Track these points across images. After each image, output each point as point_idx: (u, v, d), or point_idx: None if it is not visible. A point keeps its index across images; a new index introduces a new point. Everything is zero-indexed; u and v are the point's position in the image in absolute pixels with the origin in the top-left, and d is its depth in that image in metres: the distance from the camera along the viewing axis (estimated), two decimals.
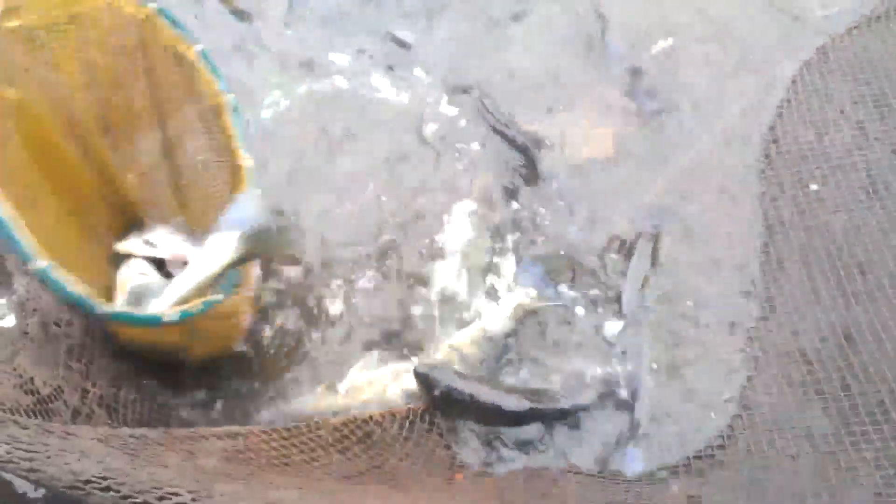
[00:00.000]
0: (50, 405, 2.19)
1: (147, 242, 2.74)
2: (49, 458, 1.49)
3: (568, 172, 3.22)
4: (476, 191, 3.19)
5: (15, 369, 2.22)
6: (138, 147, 2.68)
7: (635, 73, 3.49)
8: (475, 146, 3.31)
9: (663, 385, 2.73)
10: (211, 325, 2.49)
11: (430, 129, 3.34)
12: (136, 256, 2.73)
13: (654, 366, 2.76)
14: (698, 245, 3.03)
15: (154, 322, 2.16)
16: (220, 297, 2.25)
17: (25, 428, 1.52)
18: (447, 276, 2.99)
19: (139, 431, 1.74)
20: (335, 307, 2.91)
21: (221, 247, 2.26)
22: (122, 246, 2.75)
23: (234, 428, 2.15)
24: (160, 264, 2.73)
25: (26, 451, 1.45)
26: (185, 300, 2.25)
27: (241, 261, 2.32)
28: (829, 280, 2.77)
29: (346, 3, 3.69)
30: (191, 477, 1.69)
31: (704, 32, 3.58)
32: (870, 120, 3.07)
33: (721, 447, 2.54)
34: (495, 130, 3.34)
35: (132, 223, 2.84)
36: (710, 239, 3.03)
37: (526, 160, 3.26)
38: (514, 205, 3.15)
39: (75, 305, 2.07)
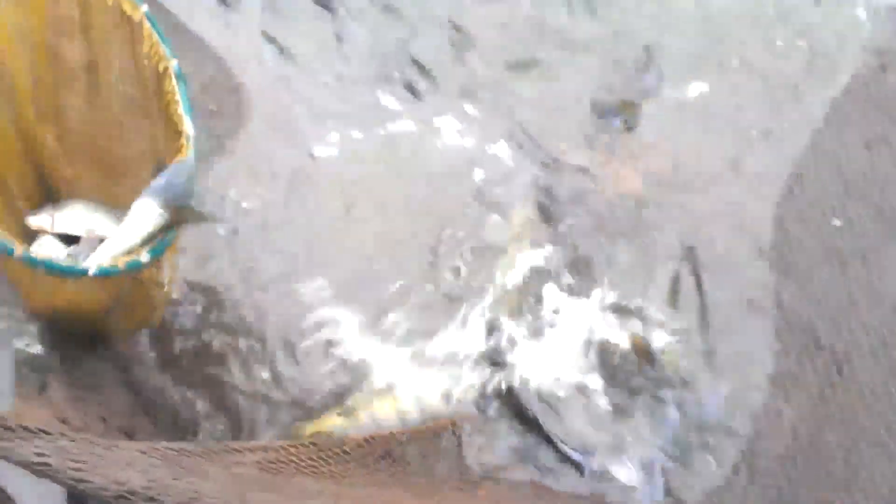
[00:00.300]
0: (81, 434, 2.23)
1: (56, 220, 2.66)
2: (96, 468, 1.54)
3: (603, 208, 3.33)
4: (518, 231, 3.26)
5: (49, 399, 2.27)
6: (62, 103, 2.58)
7: (670, 109, 3.61)
8: (518, 181, 3.40)
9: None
10: (136, 291, 2.45)
11: (477, 173, 3.41)
12: (47, 233, 2.67)
13: None
14: (720, 282, 3.12)
15: (73, 273, 2.10)
16: (146, 258, 2.18)
17: (73, 441, 1.58)
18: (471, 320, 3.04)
19: (177, 444, 1.80)
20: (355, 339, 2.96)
21: (147, 212, 2.22)
22: (34, 220, 2.68)
23: (265, 442, 2.19)
24: (74, 241, 2.66)
25: (74, 461, 1.51)
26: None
27: (167, 228, 2.26)
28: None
29: (383, 44, 3.75)
30: (230, 488, 1.75)
31: (742, 72, 3.72)
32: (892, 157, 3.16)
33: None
34: (536, 167, 3.43)
35: (49, 196, 2.76)
36: (732, 277, 3.13)
37: (567, 196, 3.35)
38: (553, 247, 3.22)
39: None
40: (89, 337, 2.63)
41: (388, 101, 3.57)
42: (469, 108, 3.57)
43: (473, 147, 3.47)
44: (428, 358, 2.93)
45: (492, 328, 2.98)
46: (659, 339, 2.99)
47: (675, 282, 3.13)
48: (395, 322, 2.99)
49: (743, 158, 3.47)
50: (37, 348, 2.53)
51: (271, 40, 3.67)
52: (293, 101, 3.51)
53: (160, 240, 2.24)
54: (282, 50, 3.65)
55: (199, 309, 2.92)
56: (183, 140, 2.31)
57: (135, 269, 2.18)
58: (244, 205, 3.22)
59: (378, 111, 3.53)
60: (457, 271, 3.14)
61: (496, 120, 3.56)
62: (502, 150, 3.46)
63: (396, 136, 3.47)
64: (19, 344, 2.49)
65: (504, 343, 2.95)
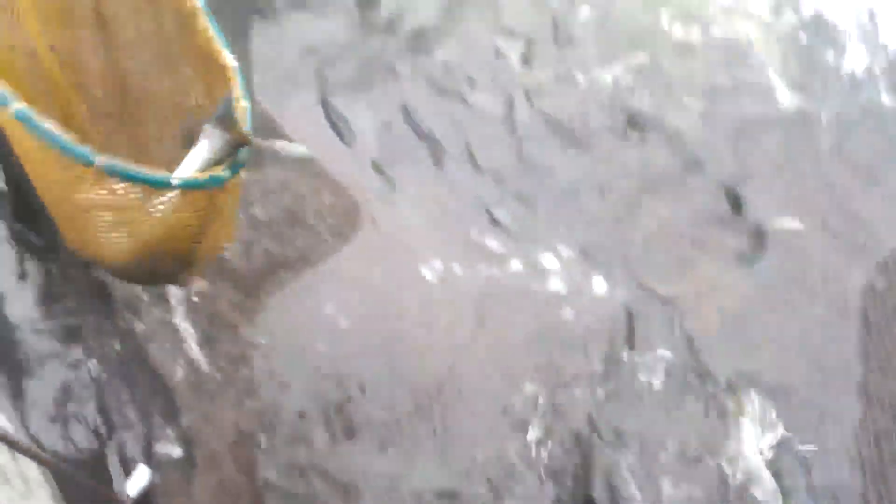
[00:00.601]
0: None
1: None
2: None
3: (675, 344, 3.46)
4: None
5: (190, 497, 2.48)
6: (83, 67, 2.58)
7: (758, 246, 3.74)
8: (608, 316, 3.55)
9: None
10: (218, 211, 2.38)
11: (567, 312, 3.57)
12: None
13: None
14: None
15: (155, 182, 2.09)
16: (227, 173, 2.20)
17: None
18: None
19: None
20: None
21: (213, 137, 2.24)
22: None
23: None
24: None
25: None
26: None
27: (234, 148, 2.27)
28: None
29: (481, 181, 3.96)
30: None
31: (832, 210, 3.85)
32: None
33: None
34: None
35: None
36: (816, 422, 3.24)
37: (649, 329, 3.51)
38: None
39: (65, 152, 1.98)
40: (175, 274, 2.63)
41: (489, 237, 3.77)
42: (567, 246, 3.77)
43: (571, 284, 3.64)
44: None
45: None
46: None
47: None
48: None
49: (822, 295, 3.56)
50: (177, 451, 2.76)
51: (380, 171, 3.97)
52: (398, 229, 3.76)
53: (235, 158, 2.26)
54: (390, 181, 3.93)
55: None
56: (229, 73, 2.34)
57: (217, 182, 2.21)
58: (342, 322, 3.40)
59: (477, 248, 3.73)
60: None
61: (592, 257, 3.73)
62: (596, 285, 3.65)
63: (495, 275, 3.66)
64: (160, 449, 2.71)
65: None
